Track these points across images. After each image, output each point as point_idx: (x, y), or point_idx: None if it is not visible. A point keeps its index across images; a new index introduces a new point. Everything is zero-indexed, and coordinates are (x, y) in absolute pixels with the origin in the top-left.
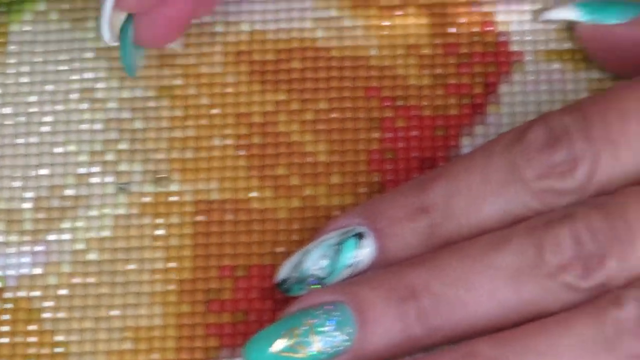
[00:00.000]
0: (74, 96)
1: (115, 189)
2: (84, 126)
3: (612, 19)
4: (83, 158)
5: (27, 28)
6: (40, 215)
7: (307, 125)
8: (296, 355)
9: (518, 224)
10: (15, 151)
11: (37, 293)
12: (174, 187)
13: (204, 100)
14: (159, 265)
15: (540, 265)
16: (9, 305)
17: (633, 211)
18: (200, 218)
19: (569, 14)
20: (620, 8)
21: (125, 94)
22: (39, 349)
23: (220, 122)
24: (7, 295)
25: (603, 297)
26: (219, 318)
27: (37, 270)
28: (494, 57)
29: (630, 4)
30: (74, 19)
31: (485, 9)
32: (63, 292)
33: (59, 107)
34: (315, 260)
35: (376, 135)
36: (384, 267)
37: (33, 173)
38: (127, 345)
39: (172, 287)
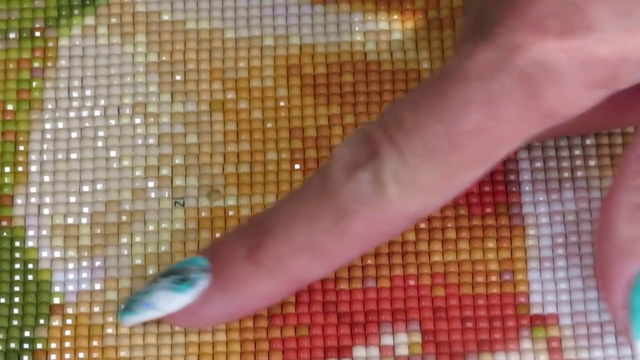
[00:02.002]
0: (126, 111)
1: (171, 204)
2: (137, 141)
3: None
4: (138, 173)
5: (76, 42)
6: (97, 231)
7: None
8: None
9: None
10: (69, 166)
11: (97, 309)
12: (230, 202)
13: (257, 114)
14: None
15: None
16: (70, 321)
17: None
18: None
19: None
20: None
21: (178, 108)
22: None
23: (274, 136)
24: (68, 311)
25: None
26: (282, 332)
27: (97, 286)
28: None
29: None
30: (123, 33)
31: None
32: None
33: (112, 122)
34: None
35: None
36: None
37: (88, 188)
38: None
39: None
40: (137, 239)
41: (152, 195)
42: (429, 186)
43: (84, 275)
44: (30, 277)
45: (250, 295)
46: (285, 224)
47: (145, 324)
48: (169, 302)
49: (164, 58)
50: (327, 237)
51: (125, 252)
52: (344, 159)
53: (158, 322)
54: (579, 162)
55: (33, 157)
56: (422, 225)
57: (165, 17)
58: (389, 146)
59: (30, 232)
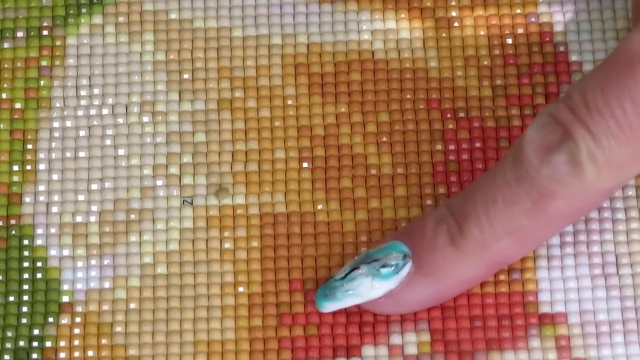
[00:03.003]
0: (134, 109)
1: (179, 202)
2: (146, 139)
3: None
4: (146, 171)
5: (84, 41)
6: (106, 229)
7: (370, 137)
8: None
9: None
10: (77, 165)
11: (106, 307)
12: (239, 200)
13: (265, 113)
14: (228, 278)
15: None
16: (79, 320)
17: None
18: (267, 231)
19: None
20: None
21: (186, 106)
22: None
23: (282, 134)
24: (77, 309)
25: None
26: (291, 331)
27: (106, 284)
28: (554, 68)
29: None
30: (130, 32)
31: (543, 19)
32: (132, 306)
33: (120, 121)
34: (361, 281)
35: (439, 147)
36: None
37: (97, 187)
38: (201, 359)
39: (242, 300)
40: (146, 237)
41: (161, 193)
42: (622, 164)
43: (93, 273)
44: (39, 276)
45: (453, 280)
46: (485, 209)
47: (154, 322)
48: (372, 289)
49: (171, 57)
50: (526, 219)
51: (134, 251)
52: (535, 142)
53: (167, 320)
54: None
55: (41, 155)
56: None
57: (173, 15)
58: (580, 128)
59: (39, 231)
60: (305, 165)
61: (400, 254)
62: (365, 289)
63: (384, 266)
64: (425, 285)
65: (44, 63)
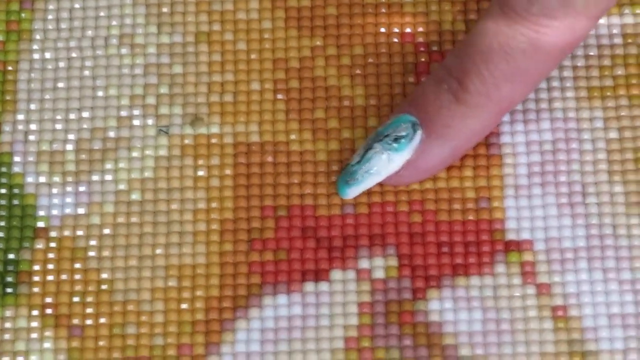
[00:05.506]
0: (113, 41)
1: (155, 131)
2: (124, 71)
3: None
4: (124, 101)
5: None
6: (83, 157)
7: (344, 69)
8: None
9: None
10: (56, 95)
11: (80, 232)
12: (213, 130)
13: (241, 46)
14: (201, 205)
15: None
16: (53, 244)
17: None
18: (240, 160)
19: None
20: None
21: (164, 39)
22: (85, 287)
23: (258, 67)
24: (52, 234)
25: None
26: (261, 256)
27: (81, 210)
28: None
29: None
30: None
31: None
32: (106, 231)
33: (99, 52)
34: (377, 159)
35: (411, 79)
36: None
37: (74, 116)
38: (171, 283)
39: (214, 226)
40: (122, 165)
41: (137, 123)
42: None
43: (69, 200)
44: (15, 202)
45: (465, 135)
46: (483, 59)
47: (127, 247)
48: (390, 163)
49: None
50: (525, 60)
51: (109, 178)
52: None
53: (140, 245)
54: (556, 94)
55: (21, 86)
56: None
57: None
58: None
59: (17, 158)
60: (279, 96)
61: (408, 124)
62: (383, 165)
63: (396, 139)
64: (440, 147)
65: None
